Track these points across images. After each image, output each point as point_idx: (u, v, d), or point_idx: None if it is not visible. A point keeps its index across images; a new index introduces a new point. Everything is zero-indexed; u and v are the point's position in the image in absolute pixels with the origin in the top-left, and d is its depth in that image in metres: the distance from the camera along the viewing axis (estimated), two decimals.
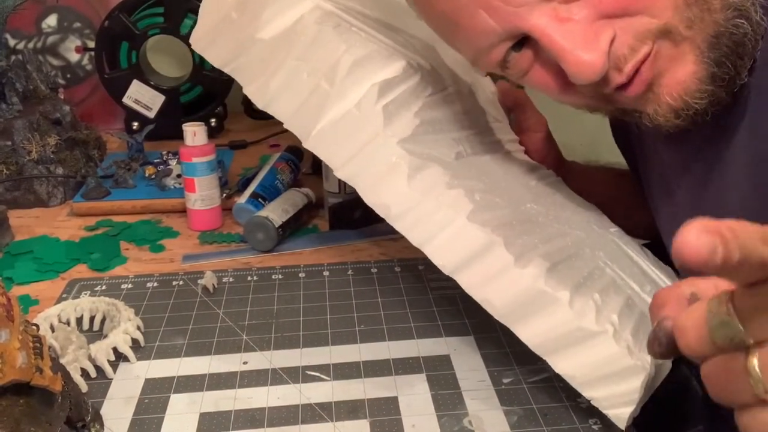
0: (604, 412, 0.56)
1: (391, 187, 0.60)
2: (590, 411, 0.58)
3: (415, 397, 0.61)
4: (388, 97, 0.62)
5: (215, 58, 0.71)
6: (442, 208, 0.59)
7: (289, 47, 0.65)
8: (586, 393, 0.56)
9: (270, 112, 0.67)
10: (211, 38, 0.71)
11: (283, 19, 0.66)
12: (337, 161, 0.63)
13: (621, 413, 0.55)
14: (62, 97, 1.16)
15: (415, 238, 0.61)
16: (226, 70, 0.70)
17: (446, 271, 0.59)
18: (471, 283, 0.59)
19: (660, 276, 0.66)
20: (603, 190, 0.80)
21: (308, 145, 0.65)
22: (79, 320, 0.72)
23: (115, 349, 0.66)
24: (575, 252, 0.61)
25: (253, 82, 0.68)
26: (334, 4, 0.68)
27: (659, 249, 0.71)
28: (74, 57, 1.36)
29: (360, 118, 0.62)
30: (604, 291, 0.58)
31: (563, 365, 0.56)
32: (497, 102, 0.80)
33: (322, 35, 0.64)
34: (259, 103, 0.67)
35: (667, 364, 0.58)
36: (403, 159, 0.60)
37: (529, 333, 0.57)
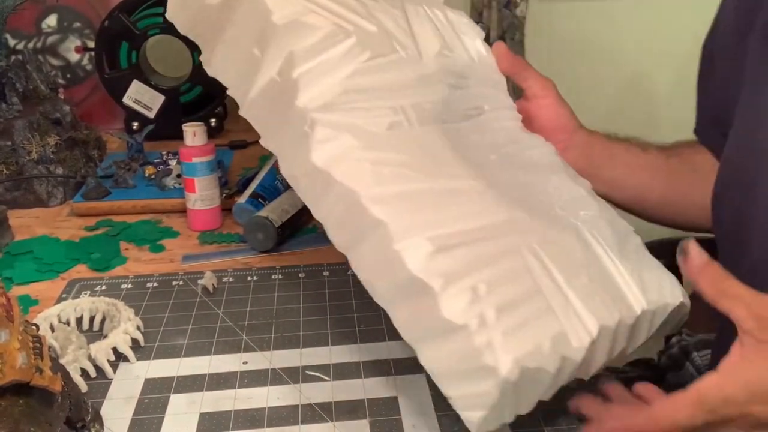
0: (458, 412, 0.52)
1: (299, 159, 0.58)
2: None
3: (414, 397, 0.61)
4: (307, 64, 0.60)
5: (181, 25, 0.70)
6: (339, 182, 0.56)
7: (229, 13, 0.64)
8: (444, 390, 0.53)
9: (218, 78, 0.66)
10: (180, 4, 0.70)
11: None
12: (263, 131, 0.62)
13: (471, 416, 0.51)
14: (62, 97, 1.16)
15: (316, 213, 0.59)
16: (190, 37, 0.69)
17: (338, 248, 0.58)
18: (356, 263, 0.57)
19: (620, 269, 0.59)
20: (629, 173, 0.75)
21: (243, 113, 0.64)
22: (79, 320, 0.72)
23: (114, 349, 0.66)
24: (490, 234, 0.56)
25: (206, 50, 0.67)
26: None
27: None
28: (74, 57, 1.36)
29: (281, 87, 0.60)
30: (498, 280, 0.53)
31: (426, 357, 0.53)
32: (492, 66, 0.74)
33: (257, 1, 0.63)
34: (209, 71, 0.67)
35: (548, 371, 0.52)
36: (312, 129, 0.58)
37: (401, 320, 0.55)
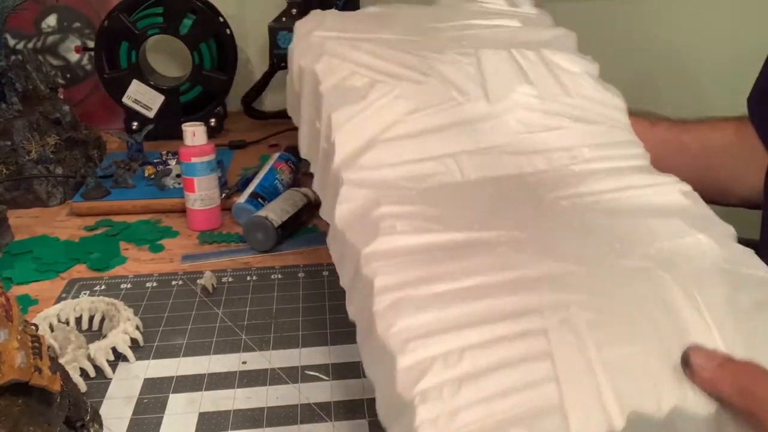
0: None
1: (330, 223, 0.56)
2: None
3: None
4: (345, 126, 0.59)
5: (294, 120, 0.73)
6: (349, 241, 0.52)
7: (301, 93, 0.68)
8: None
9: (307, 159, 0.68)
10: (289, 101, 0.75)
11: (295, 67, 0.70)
12: (324, 203, 0.62)
13: None
14: (62, 96, 1.16)
15: (342, 282, 0.54)
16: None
17: (351, 319, 0.52)
18: (358, 335, 0.50)
19: (717, 342, 0.43)
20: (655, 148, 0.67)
21: (314, 187, 0.64)
22: (78, 320, 0.72)
23: (114, 349, 0.66)
24: (508, 292, 0.46)
25: (299, 133, 0.69)
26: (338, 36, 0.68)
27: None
28: (74, 57, 1.36)
29: (327, 153, 0.60)
30: (488, 347, 0.42)
31: None
32: (603, 101, 0.66)
33: (312, 75, 0.65)
34: (302, 153, 0.69)
35: None
36: (340, 190, 0.56)
37: (377, 397, 0.46)
